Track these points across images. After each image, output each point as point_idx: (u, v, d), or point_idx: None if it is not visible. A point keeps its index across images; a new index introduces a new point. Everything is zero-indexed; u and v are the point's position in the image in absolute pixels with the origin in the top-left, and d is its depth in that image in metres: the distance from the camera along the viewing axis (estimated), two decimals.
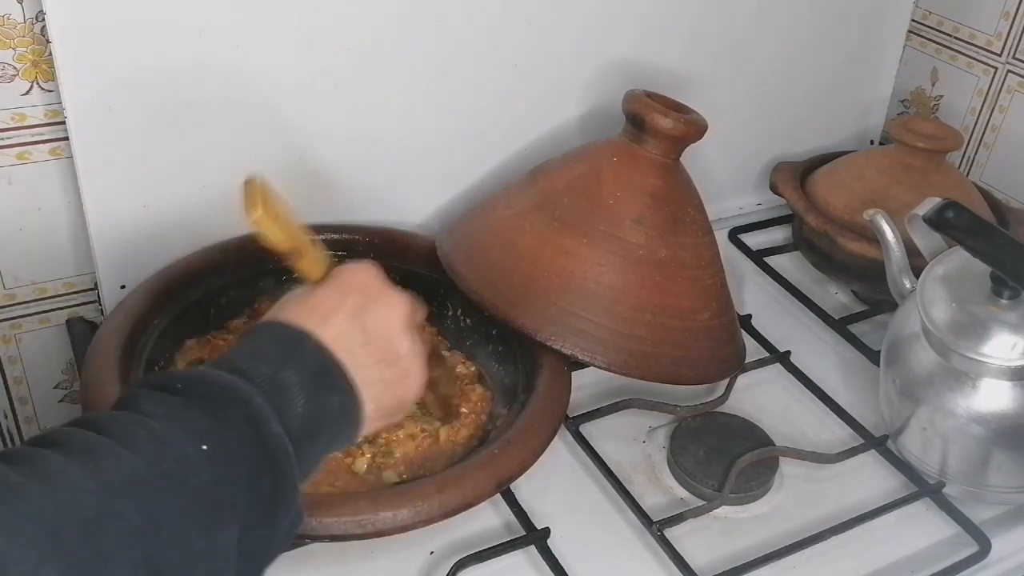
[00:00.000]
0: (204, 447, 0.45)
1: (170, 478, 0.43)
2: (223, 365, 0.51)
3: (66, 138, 0.76)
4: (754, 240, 1.07)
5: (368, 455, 0.71)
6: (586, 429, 0.77)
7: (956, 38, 1.10)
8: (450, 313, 0.86)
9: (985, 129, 1.09)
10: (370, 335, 0.56)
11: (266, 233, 0.58)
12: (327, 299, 0.57)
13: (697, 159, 0.85)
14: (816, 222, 0.97)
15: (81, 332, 0.84)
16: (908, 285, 0.81)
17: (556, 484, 0.74)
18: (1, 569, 0.36)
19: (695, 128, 0.80)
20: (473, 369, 0.81)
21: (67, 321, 0.86)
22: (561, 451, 0.77)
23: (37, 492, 0.39)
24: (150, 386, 0.48)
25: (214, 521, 0.44)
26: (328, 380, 0.53)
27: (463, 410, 0.76)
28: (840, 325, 0.93)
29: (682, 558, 0.67)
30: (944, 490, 0.76)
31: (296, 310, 0.56)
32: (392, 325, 0.59)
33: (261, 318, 0.57)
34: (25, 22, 0.73)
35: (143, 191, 0.80)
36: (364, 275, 0.60)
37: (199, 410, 0.47)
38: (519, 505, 0.70)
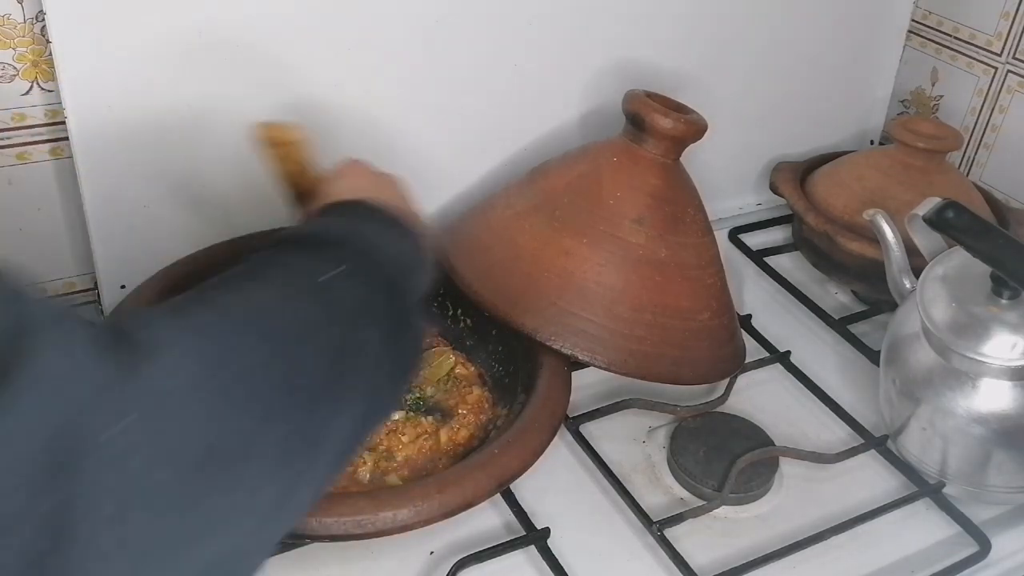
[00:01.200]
0: (335, 272, 0.50)
1: (316, 294, 0.49)
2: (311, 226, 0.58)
3: (66, 138, 0.76)
4: (754, 240, 1.07)
5: (370, 462, 0.71)
6: (586, 429, 0.77)
7: (956, 38, 1.10)
8: (450, 313, 0.86)
9: (985, 129, 1.09)
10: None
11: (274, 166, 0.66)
12: (349, 188, 0.62)
13: (697, 159, 0.85)
14: (816, 222, 0.97)
15: None
16: (908, 285, 0.81)
17: (556, 484, 0.74)
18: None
19: (695, 128, 0.80)
20: (472, 370, 0.81)
21: None
22: (561, 451, 0.77)
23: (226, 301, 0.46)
24: (255, 254, 0.53)
25: (360, 324, 0.50)
26: (396, 228, 0.59)
27: (461, 411, 0.76)
28: (840, 325, 0.93)
29: (682, 558, 0.67)
30: (944, 490, 0.76)
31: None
32: (402, 198, 0.64)
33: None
34: (25, 22, 0.73)
35: (143, 191, 0.80)
36: (361, 167, 0.66)
37: (313, 249, 0.53)
38: (519, 505, 0.70)
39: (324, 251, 0.53)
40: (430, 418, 0.75)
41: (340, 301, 0.50)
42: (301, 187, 0.66)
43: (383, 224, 0.58)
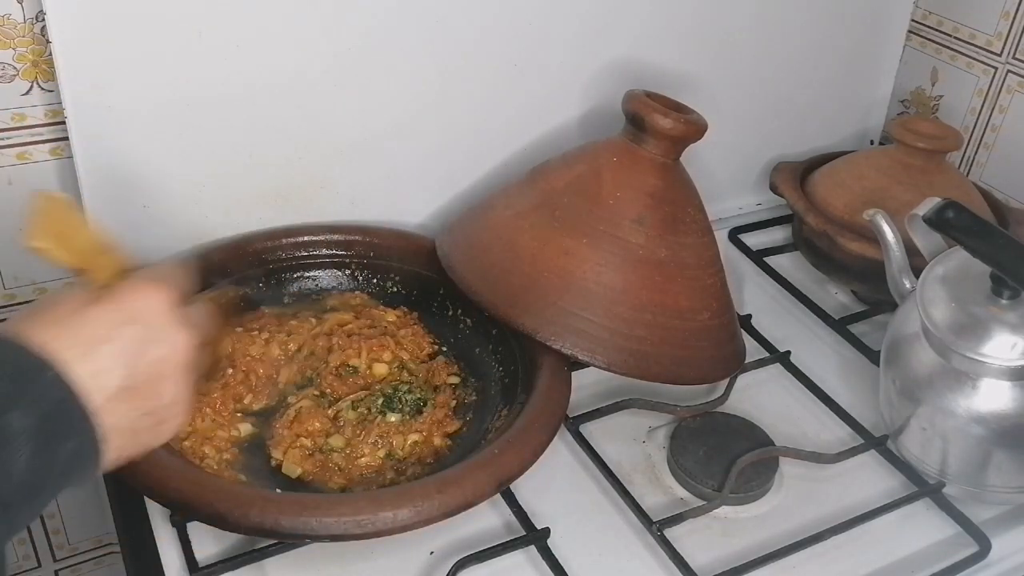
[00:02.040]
0: None
1: None
2: None
3: (66, 138, 0.76)
4: (754, 240, 1.07)
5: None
6: (586, 429, 0.77)
7: (956, 38, 1.10)
8: (450, 313, 0.86)
9: (985, 129, 1.09)
10: (136, 378, 0.49)
11: (45, 256, 0.51)
12: (101, 323, 0.48)
13: (697, 159, 0.85)
14: (816, 222, 0.97)
15: None
16: (908, 285, 0.81)
17: (556, 484, 0.74)
18: None
19: (695, 128, 0.80)
20: (457, 379, 0.81)
21: None
22: (561, 451, 0.77)
23: None
24: None
25: None
26: (66, 424, 0.45)
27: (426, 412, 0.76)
28: (840, 325, 0.93)
29: (682, 558, 0.67)
30: (944, 490, 0.76)
31: (60, 328, 0.47)
32: (164, 368, 0.51)
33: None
34: (25, 22, 0.73)
35: (143, 191, 0.80)
36: (152, 301, 0.51)
37: None
38: (519, 505, 0.70)
39: None
40: (394, 416, 0.75)
41: None
42: (87, 273, 0.53)
43: (41, 414, 0.43)
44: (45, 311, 0.48)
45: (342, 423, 0.73)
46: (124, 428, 0.49)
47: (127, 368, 0.48)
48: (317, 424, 0.72)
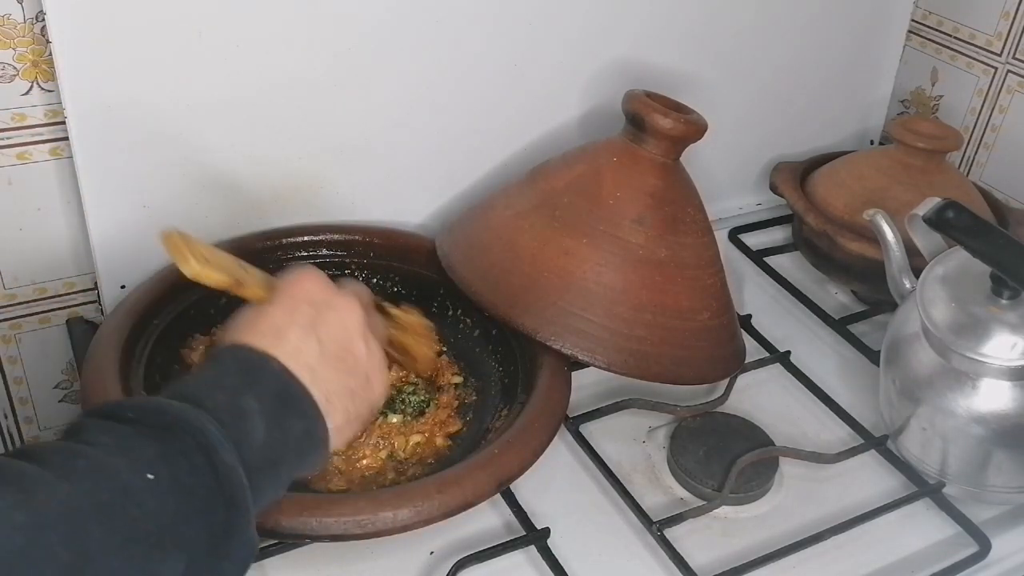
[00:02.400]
0: (150, 476, 0.44)
1: (107, 509, 0.42)
2: (178, 393, 0.50)
3: (66, 138, 0.76)
4: (754, 240, 1.07)
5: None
6: (586, 429, 0.77)
7: (956, 38, 1.10)
8: (450, 313, 0.86)
9: (985, 129, 1.09)
10: (327, 345, 0.56)
11: (205, 280, 0.58)
12: (277, 315, 0.56)
13: (697, 159, 0.85)
14: (816, 222, 0.97)
15: (81, 332, 0.84)
16: (908, 285, 0.81)
17: (556, 484, 0.74)
18: None
19: (695, 128, 0.80)
20: (459, 379, 0.81)
21: (67, 321, 0.86)
22: (561, 451, 0.77)
23: None
24: (99, 414, 0.47)
25: (155, 553, 0.43)
26: (291, 403, 0.52)
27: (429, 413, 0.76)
28: (840, 325, 0.93)
29: (682, 558, 0.67)
30: (944, 490, 0.76)
31: (249, 332, 0.54)
32: (347, 331, 0.58)
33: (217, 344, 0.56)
34: (25, 22, 0.73)
35: (143, 191, 0.80)
36: (309, 283, 0.59)
37: (148, 439, 0.46)
38: (519, 505, 0.70)
39: (156, 442, 0.46)
40: (395, 417, 0.75)
41: (139, 524, 0.43)
42: (240, 287, 0.60)
43: (270, 398, 0.51)
44: (235, 325, 0.56)
45: None
46: (339, 391, 0.55)
47: (316, 342, 0.55)
48: None
